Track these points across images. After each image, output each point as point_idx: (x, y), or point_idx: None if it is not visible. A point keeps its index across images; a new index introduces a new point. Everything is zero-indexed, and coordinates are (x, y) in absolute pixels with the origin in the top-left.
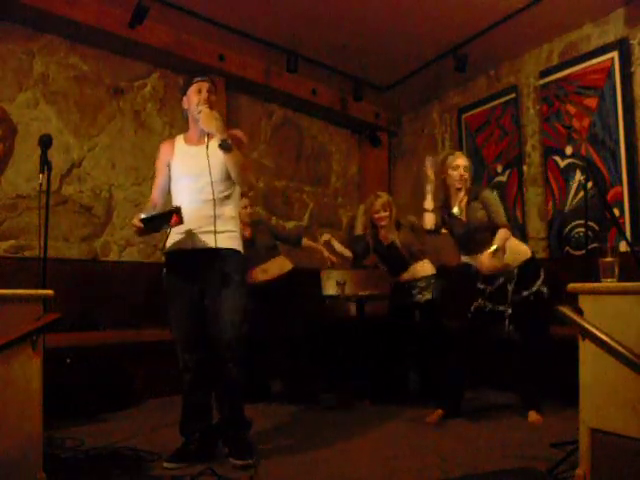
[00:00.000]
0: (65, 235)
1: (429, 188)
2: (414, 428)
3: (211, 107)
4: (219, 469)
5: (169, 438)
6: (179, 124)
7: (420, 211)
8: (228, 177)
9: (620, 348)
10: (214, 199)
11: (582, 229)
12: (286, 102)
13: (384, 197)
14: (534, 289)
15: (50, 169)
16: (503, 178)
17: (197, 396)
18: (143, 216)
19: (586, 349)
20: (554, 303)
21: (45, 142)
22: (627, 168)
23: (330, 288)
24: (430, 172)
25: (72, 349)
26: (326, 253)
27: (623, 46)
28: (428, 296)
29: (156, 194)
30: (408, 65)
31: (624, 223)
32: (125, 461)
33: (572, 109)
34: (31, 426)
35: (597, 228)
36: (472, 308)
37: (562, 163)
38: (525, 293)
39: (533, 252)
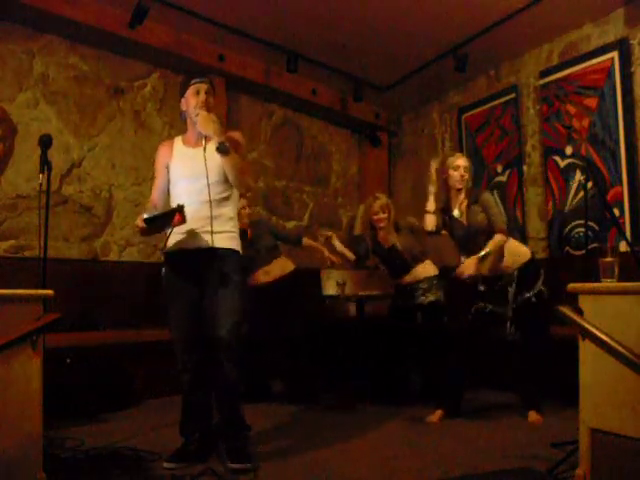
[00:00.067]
0: (65, 235)
1: (432, 190)
2: (414, 428)
3: (209, 109)
4: (219, 469)
5: (169, 438)
6: (179, 124)
7: (420, 212)
8: (226, 179)
9: (620, 348)
10: (211, 200)
11: (582, 229)
12: (286, 102)
13: (383, 199)
14: (535, 290)
15: (50, 169)
16: (503, 178)
17: (197, 396)
18: (146, 216)
19: (586, 349)
20: (554, 303)
21: (45, 142)
22: (627, 168)
23: (330, 288)
24: (434, 174)
25: (72, 349)
26: (326, 253)
27: (623, 46)
28: (431, 298)
29: (156, 195)
30: (408, 65)
31: (624, 223)
32: (125, 461)
33: (572, 109)
34: (31, 426)
35: (597, 228)
36: (472, 310)
37: (562, 163)
38: (527, 295)
39: (533, 253)
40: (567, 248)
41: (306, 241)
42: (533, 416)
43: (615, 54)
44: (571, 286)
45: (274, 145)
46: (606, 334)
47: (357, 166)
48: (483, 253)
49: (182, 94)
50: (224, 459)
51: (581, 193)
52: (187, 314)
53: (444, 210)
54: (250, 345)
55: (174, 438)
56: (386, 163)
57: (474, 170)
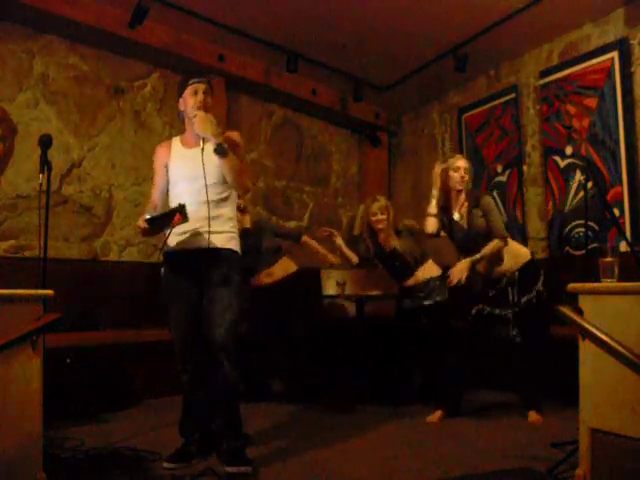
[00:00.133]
0: (65, 235)
1: (435, 193)
2: (414, 428)
3: (207, 109)
4: (219, 469)
5: (169, 438)
6: (179, 124)
7: (420, 212)
8: (225, 180)
9: (620, 348)
10: (208, 201)
11: (582, 229)
12: (286, 102)
13: (382, 201)
14: (535, 291)
15: (50, 169)
16: (503, 178)
17: (196, 396)
18: (148, 216)
19: (586, 349)
20: (554, 303)
21: (45, 142)
22: (627, 168)
23: (330, 288)
24: (438, 177)
25: (72, 349)
26: (323, 252)
27: (623, 46)
28: (438, 298)
29: (155, 196)
30: (408, 65)
31: (624, 223)
32: (125, 461)
33: (572, 109)
34: (31, 426)
35: (597, 228)
36: (473, 311)
37: (562, 163)
38: (528, 296)
39: (532, 254)
40: (567, 248)
41: (305, 239)
42: (533, 416)
43: (615, 54)
44: (571, 286)
45: (274, 145)
46: (606, 334)
47: (357, 166)
48: (476, 257)
49: (180, 94)
50: (222, 461)
51: (581, 193)
52: (186, 314)
53: (444, 211)
54: (251, 345)
55: (174, 438)
56: (386, 163)
57: (474, 170)
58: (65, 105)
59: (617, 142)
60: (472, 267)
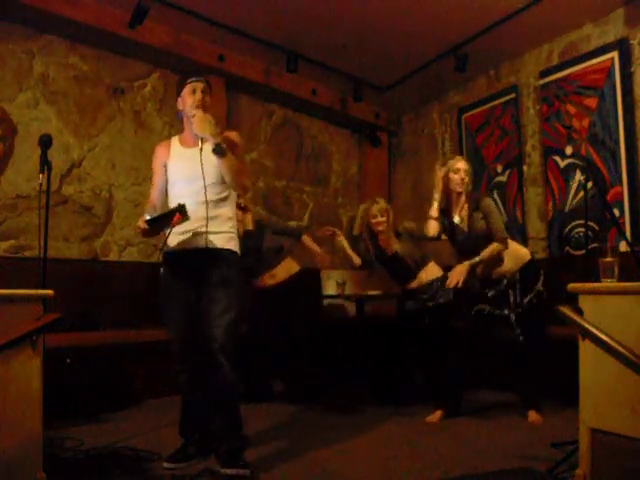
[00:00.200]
0: (65, 235)
1: (437, 196)
2: (414, 428)
3: (205, 108)
4: (218, 470)
5: (169, 438)
6: (179, 124)
7: (420, 212)
8: (223, 180)
9: (620, 348)
10: (207, 202)
11: (582, 229)
12: (286, 102)
13: (382, 203)
14: (535, 291)
15: (50, 169)
16: (503, 178)
17: (195, 397)
18: (148, 217)
19: (586, 349)
20: (554, 303)
21: (45, 142)
22: (627, 168)
23: (330, 288)
24: (437, 179)
25: (72, 349)
26: (319, 252)
27: (623, 46)
28: (440, 300)
29: (155, 196)
30: (408, 65)
31: (624, 223)
32: (125, 461)
33: (572, 109)
34: (31, 426)
35: (597, 228)
36: (473, 311)
37: (562, 163)
38: (529, 297)
39: (532, 254)
40: (567, 248)
41: (305, 238)
42: (533, 416)
43: (615, 54)
44: (571, 286)
45: (274, 145)
46: (606, 334)
47: (357, 166)
48: (475, 260)
49: (178, 93)
50: (219, 462)
51: (581, 193)
52: (184, 314)
53: (444, 214)
54: (253, 345)
55: (174, 438)
56: (386, 163)
57: (474, 170)
58: (65, 105)
59: (617, 142)
60: (471, 270)
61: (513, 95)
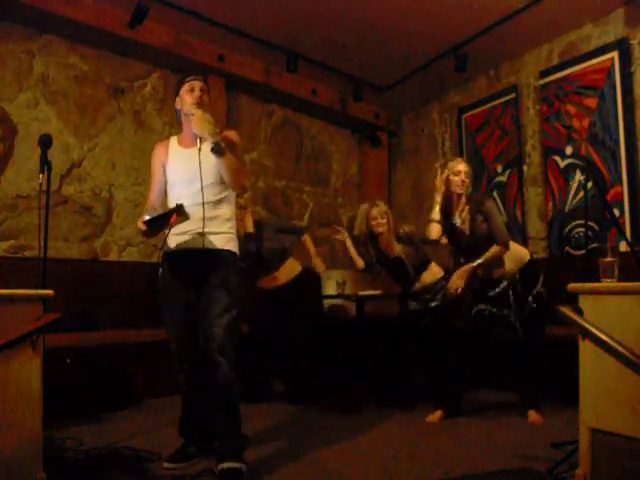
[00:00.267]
0: (65, 235)
1: (438, 199)
2: (414, 428)
3: (204, 107)
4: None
5: (169, 438)
6: (178, 124)
7: (420, 213)
8: (222, 180)
9: (620, 348)
10: (204, 202)
11: (582, 229)
12: (286, 102)
13: (382, 206)
14: (535, 292)
15: (50, 169)
16: (503, 178)
17: (195, 397)
18: (147, 217)
19: (586, 349)
20: (554, 303)
21: (45, 142)
22: (627, 168)
23: (330, 288)
24: (440, 181)
25: (72, 349)
26: (315, 256)
27: (623, 46)
28: (443, 301)
29: (154, 196)
30: (408, 65)
31: (624, 223)
32: (125, 461)
33: (572, 109)
34: (31, 426)
35: (597, 228)
36: (473, 311)
37: (562, 163)
38: (530, 298)
39: (532, 254)
40: (567, 248)
41: (306, 238)
42: (533, 416)
43: (615, 54)
44: (571, 286)
45: (274, 145)
46: (606, 334)
47: (357, 166)
48: (476, 264)
49: (177, 92)
50: (217, 458)
51: (581, 193)
52: (183, 314)
53: (444, 215)
54: (254, 345)
55: (174, 438)
56: (386, 163)
57: (474, 170)
58: (65, 105)
59: (617, 142)
60: (472, 273)
61: (513, 95)
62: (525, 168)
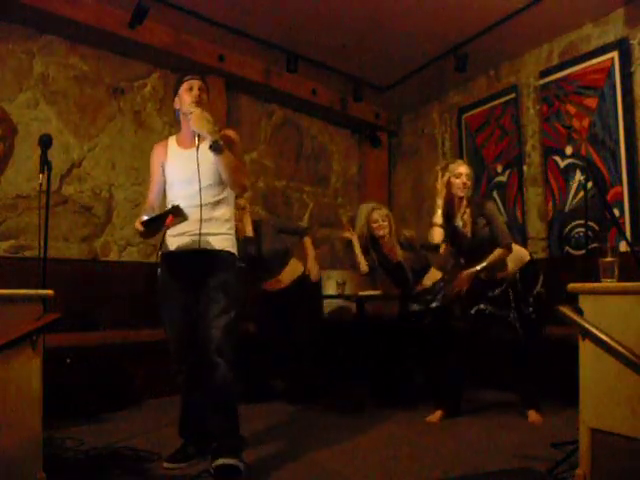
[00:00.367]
0: (65, 235)
1: (440, 203)
2: (414, 428)
3: (203, 106)
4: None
5: (169, 438)
6: (178, 124)
7: (420, 214)
8: (221, 181)
9: (620, 348)
10: (202, 204)
11: (582, 229)
12: (286, 102)
13: (383, 210)
14: (535, 292)
15: (50, 169)
16: (503, 178)
17: (194, 397)
18: (146, 218)
19: (586, 349)
20: (554, 303)
21: (45, 142)
22: (627, 168)
23: (330, 288)
24: (441, 185)
25: (72, 349)
26: (312, 261)
27: (623, 46)
28: (442, 301)
29: (152, 196)
30: (408, 65)
31: (624, 223)
32: (125, 461)
33: (572, 109)
34: (31, 426)
35: (597, 228)
36: (473, 311)
37: (562, 163)
38: (530, 298)
39: (531, 255)
40: (567, 248)
41: (307, 241)
42: (533, 415)
43: (615, 54)
44: (571, 286)
45: (274, 145)
46: (606, 334)
47: (357, 166)
48: (479, 267)
49: (175, 92)
50: (213, 456)
51: (581, 193)
52: (181, 315)
53: (446, 218)
54: (257, 345)
55: (174, 438)
56: (386, 163)
57: (474, 171)
58: (65, 105)
59: (617, 142)
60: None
61: (513, 95)
62: (525, 168)
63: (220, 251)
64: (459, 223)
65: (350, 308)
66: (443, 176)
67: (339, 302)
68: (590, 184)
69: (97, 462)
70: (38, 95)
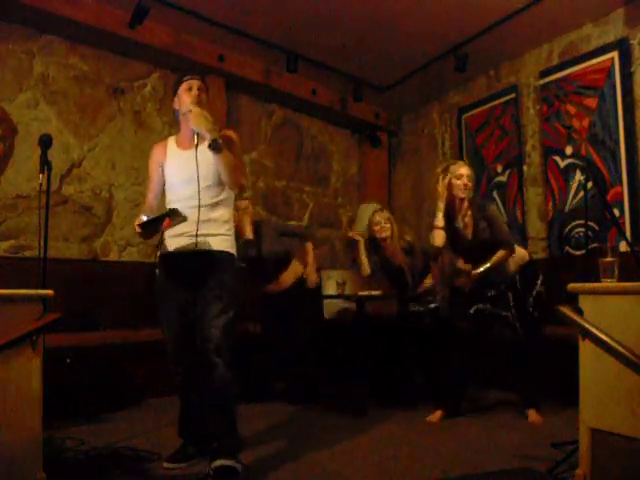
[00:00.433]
0: (65, 235)
1: (441, 205)
2: (414, 428)
3: (202, 106)
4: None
5: (169, 438)
6: (178, 124)
7: (420, 215)
8: (220, 181)
9: (620, 348)
10: (200, 205)
11: (582, 229)
12: (286, 102)
13: (385, 213)
14: (534, 292)
15: (50, 169)
16: (503, 178)
17: (192, 398)
18: (145, 218)
19: (586, 349)
20: (553, 303)
21: (45, 142)
22: (627, 168)
23: (330, 288)
24: (442, 187)
25: (72, 349)
26: (310, 267)
27: (623, 46)
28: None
29: (151, 197)
30: (408, 65)
31: (624, 223)
32: (125, 461)
33: (572, 109)
34: (31, 426)
35: (597, 228)
36: (472, 310)
37: (562, 163)
38: (530, 299)
39: (531, 255)
40: (567, 248)
41: (309, 246)
42: (533, 415)
43: (615, 54)
44: (571, 286)
45: (274, 145)
46: (606, 334)
47: (357, 166)
48: (483, 269)
49: (175, 92)
50: (210, 457)
51: (581, 193)
52: (179, 316)
53: (447, 220)
54: (260, 347)
55: (174, 438)
56: (386, 163)
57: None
58: (65, 105)
59: (617, 142)
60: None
61: (513, 95)
62: (525, 168)
63: (218, 252)
64: (460, 224)
65: (350, 308)
66: (444, 178)
67: (339, 305)
68: (590, 184)
69: (97, 462)
70: (38, 95)
